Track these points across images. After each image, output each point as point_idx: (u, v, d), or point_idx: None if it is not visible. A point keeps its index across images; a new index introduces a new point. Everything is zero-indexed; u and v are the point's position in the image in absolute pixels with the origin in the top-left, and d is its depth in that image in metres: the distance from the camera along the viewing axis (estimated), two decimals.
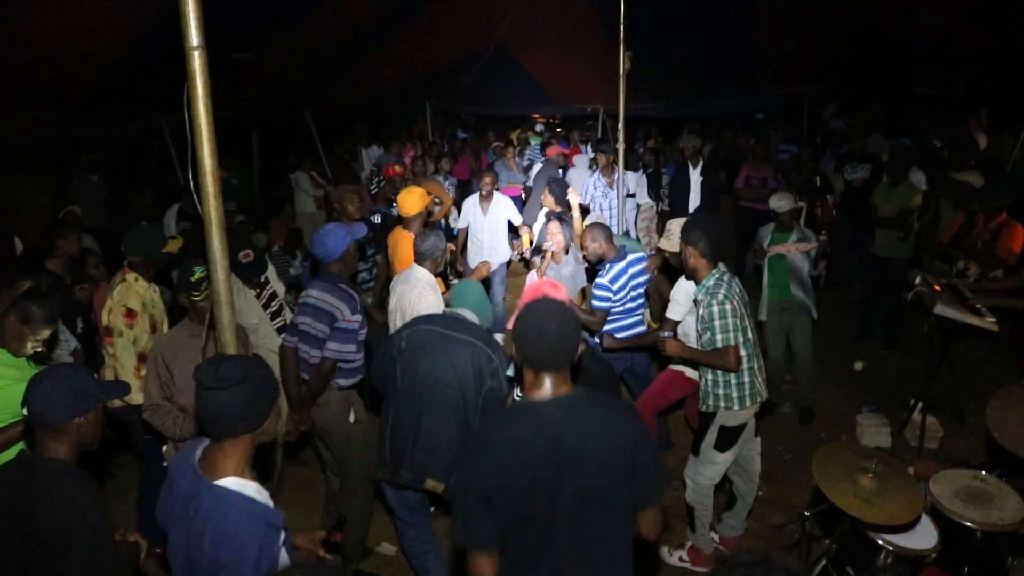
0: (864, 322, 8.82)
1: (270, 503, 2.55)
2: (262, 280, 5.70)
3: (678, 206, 10.01)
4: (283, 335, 5.00)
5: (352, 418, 4.87)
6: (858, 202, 9.29)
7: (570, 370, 2.76)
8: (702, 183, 9.91)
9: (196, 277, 4.22)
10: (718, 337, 4.49)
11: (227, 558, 2.38)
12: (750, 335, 4.61)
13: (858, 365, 8.18)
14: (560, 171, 10.81)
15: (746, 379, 4.61)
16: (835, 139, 12.38)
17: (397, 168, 8.79)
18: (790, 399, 7.19)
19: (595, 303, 5.70)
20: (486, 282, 7.49)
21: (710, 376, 4.69)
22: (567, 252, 6.23)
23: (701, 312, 4.56)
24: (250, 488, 2.51)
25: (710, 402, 4.71)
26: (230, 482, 2.48)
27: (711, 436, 4.78)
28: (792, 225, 6.82)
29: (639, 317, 5.90)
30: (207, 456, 2.54)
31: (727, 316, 4.45)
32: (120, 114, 9.00)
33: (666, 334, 5.05)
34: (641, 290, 5.89)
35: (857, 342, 8.70)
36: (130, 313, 4.91)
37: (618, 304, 5.74)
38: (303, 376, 4.80)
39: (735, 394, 4.63)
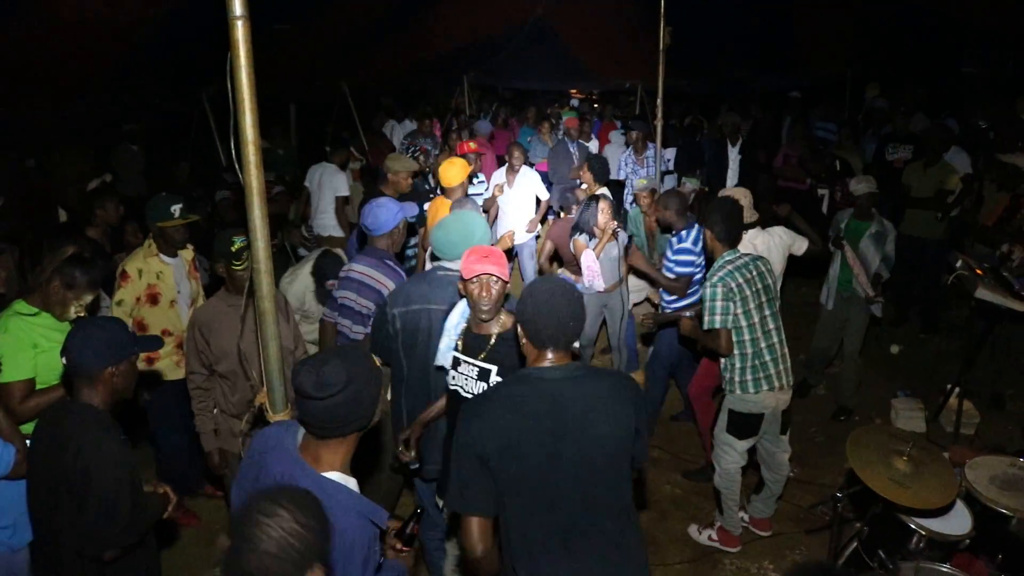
0: (900, 305, 8.70)
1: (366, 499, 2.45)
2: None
3: (716, 185, 9.93)
4: (324, 310, 5.00)
5: (390, 395, 4.93)
6: (897, 183, 9.15)
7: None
8: (741, 161, 9.80)
9: (237, 247, 4.24)
10: (706, 319, 4.54)
11: (335, 557, 2.23)
12: (765, 320, 4.58)
13: (894, 348, 8.09)
14: (572, 146, 10.70)
15: (757, 363, 4.58)
16: (877, 119, 12.15)
17: (471, 145, 8.58)
18: (828, 386, 7.12)
19: (678, 269, 5.83)
20: (509, 254, 7.51)
21: (722, 361, 4.70)
22: (615, 235, 6.20)
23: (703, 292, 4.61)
24: (352, 484, 2.41)
25: (724, 385, 4.74)
26: (336, 476, 2.38)
27: (722, 419, 4.80)
28: (871, 213, 6.43)
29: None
30: (309, 447, 2.41)
31: (717, 298, 4.47)
32: (160, 86, 9.09)
33: (688, 313, 5.09)
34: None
35: (894, 325, 8.59)
36: (124, 275, 4.94)
37: (699, 270, 5.84)
38: None
39: (739, 378, 4.61)
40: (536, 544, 2.67)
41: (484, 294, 3.41)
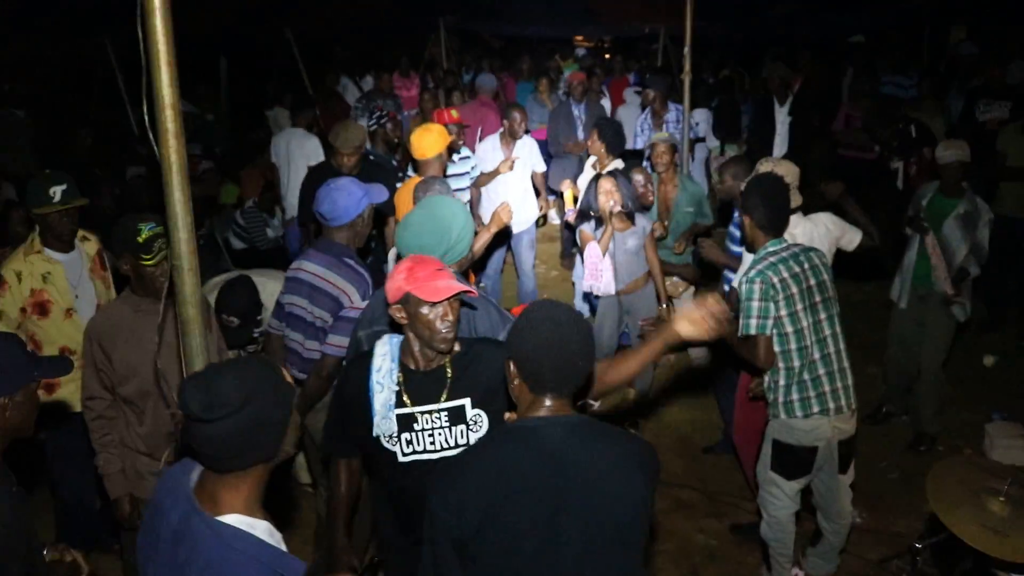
0: (994, 305, 8.74)
1: (283, 547, 2.44)
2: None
3: (759, 155, 9.94)
4: (269, 321, 5.00)
5: None
6: (990, 150, 9.17)
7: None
8: (791, 125, 9.82)
9: (145, 236, 4.15)
10: (741, 323, 4.56)
11: None
12: (818, 325, 4.59)
13: (987, 360, 8.12)
14: (577, 108, 10.72)
15: (807, 379, 4.59)
16: (965, 69, 12.18)
17: (453, 113, 8.11)
18: (904, 410, 7.15)
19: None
20: (502, 239, 7.49)
21: (765, 377, 4.73)
22: (632, 219, 6.20)
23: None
24: (260, 528, 2.39)
25: (769, 408, 4.76)
26: (235, 520, 2.36)
27: (765, 451, 4.82)
28: (961, 188, 6.41)
29: None
30: (206, 485, 2.41)
31: (754, 297, 4.49)
32: (51, 32, 9.04)
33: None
34: None
35: (986, 331, 8.63)
36: (0, 281, 4.92)
37: None
38: (293, 372, 4.83)
39: (783, 398, 4.63)
40: None
41: (449, 317, 3.18)
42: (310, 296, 4.62)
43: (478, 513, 2.54)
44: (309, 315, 4.63)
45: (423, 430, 3.30)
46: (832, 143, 10.70)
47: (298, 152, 9.03)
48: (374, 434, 3.29)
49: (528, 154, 8.64)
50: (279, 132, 9.58)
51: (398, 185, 7.15)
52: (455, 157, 7.73)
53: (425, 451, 3.30)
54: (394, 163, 8.03)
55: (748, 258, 5.09)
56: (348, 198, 4.67)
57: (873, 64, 13.40)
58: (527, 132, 8.74)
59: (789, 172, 5.36)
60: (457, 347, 3.32)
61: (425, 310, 3.14)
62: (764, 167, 5.40)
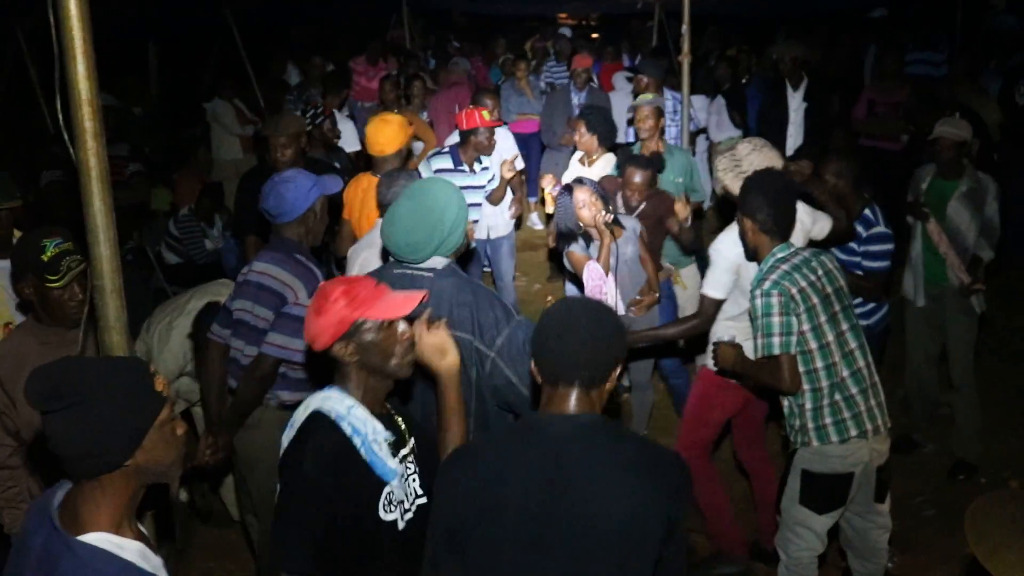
0: None
1: (163, 573, 2.51)
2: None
3: (770, 142, 9.95)
4: (212, 327, 5.01)
5: None
6: None
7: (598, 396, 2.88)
8: (806, 111, 9.83)
9: (51, 253, 4.08)
10: (759, 342, 4.54)
11: None
12: (843, 337, 4.60)
13: None
14: (579, 95, 10.73)
15: (839, 398, 4.59)
16: (1003, 44, 12.24)
17: (486, 115, 7.63)
18: (937, 438, 7.17)
19: (875, 264, 5.96)
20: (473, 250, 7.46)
21: (785, 402, 4.72)
22: (619, 226, 6.17)
23: (749, 306, 4.64)
24: (130, 550, 2.44)
25: (791, 437, 4.75)
26: (98, 539, 2.40)
27: (793, 485, 4.78)
28: (960, 167, 6.51)
29: None
30: (68, 502, 2.47)
31: (772, 312, 4.47)
32: None
33: (725, 337, 5.04)
34: None
35: None
36: None
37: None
38: (230, 384, 4.86)
39: (813, 423, 4.61)
40: None
41: (408, 335, 3.13)
42: (255, 296, 4.67)
43: (472, 505, 2.73)
44: (253, 318, 4.68)
45: (406, 481, 3.16)
46: (853, 132, 10.70)
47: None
48: (382, 509, 3.05)
49: (505, 149, 8.43)
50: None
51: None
52: (476, 167, 7.60)
53: (412, 509, 3.15)
54: (336, 166, 7.93)
55: (746, 269, 5.09)
56: (296, 190, 4.70)
57: (899, 39, 13.41)
58: (503, 124, 8.68)
59: (773, 161, 5.37)
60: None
61: (381, 335, 3.02)
62: (744, 150, 5.41)
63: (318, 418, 3.01)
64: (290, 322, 4.60)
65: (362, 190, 6.49)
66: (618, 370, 2.90)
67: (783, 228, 4.65)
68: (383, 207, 5.29)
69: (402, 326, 3.08)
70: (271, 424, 4.78)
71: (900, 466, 6.63)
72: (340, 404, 3.02)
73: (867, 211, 5.97)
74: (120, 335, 2.97)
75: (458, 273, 3.87)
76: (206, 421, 4.96)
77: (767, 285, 4.50)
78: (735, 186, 5.19)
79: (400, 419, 3.22)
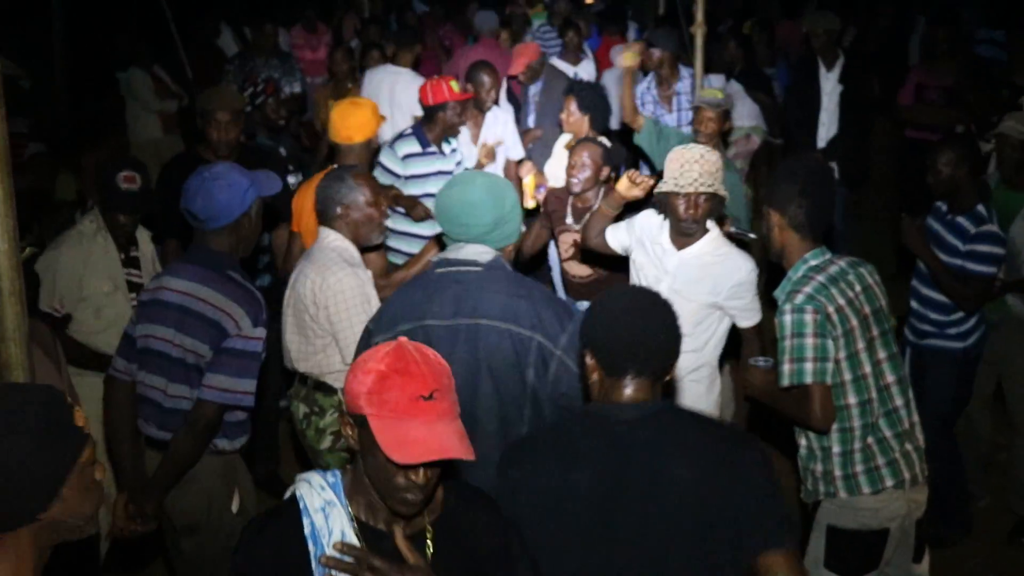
0: None
1: None
2: (131, 253, 5.87)
3: (799, 133, 9.99)
4: (114, 360, 4.94)
5: (236, 505, 4.89)
6: None
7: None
8: (842, 95, 9.85)
9: None
10: (786, 368, 4.47)
11: None
12: (879, 368, 4.59)
13: None
14: (570, 68, 10.74)
15: (872, 442, 4.56)
16: None
17: (453, 85, 7.56)
18: (994, 489, 7.17)
19: (981, 267, 5.99)
20: None
21: (803, 441, 4.71)
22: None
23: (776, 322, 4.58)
24: None
25: (809, 486, 4.73)
26: None
27: (816, 545, 4.76)
28: None
29: None
30: None
31: (806, 332, 4.40)
32: None
33: (760, 361, 5.04)
34: None
35: None
36: None
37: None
38: (150, 431, 4.76)
39: (841, 471, 4.58)
40: None
41: (419, 481, 2.73)
42: (178, 323, 4.58)
43: (532, 496, 3.06)
44: (176, 349, 4.59)
45: None
46: (898, 120, 10.72)
47: (404, 98, 9.11)
48: None
49: (503, 134, 8.51)
50: (373, 70, 9.70)
51: (291, 181, 7.11)
52: (445, 148, 7.60)
53: None
54: (282, 152, 7.86)
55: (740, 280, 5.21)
56: (229, 191, 4.62)
57: (956, 14, 13.37)
58: (496, 103, 8.62)
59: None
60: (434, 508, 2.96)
61: (381, 460, 2.70)
62: (672, 156, 5.29)
63: (289, 504, 2.86)
64: (234, 359, 4.53)
65: (308, 196, 6.20)
66: (675, 366, 3.25)
67: (816, 226, 4.60)
68: (328, 213, 5.23)
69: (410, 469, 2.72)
70: (211, 476, 4.77)
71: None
72: (321, 495, 2.85)
73: (980, 206, 6.00)
74: (19, 347, 2.95)
75: (507, 267, 4.14)
76: (117, 479, 4.85)
77: (800, 299, 4.42)
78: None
79: (431, 560, 2.86)
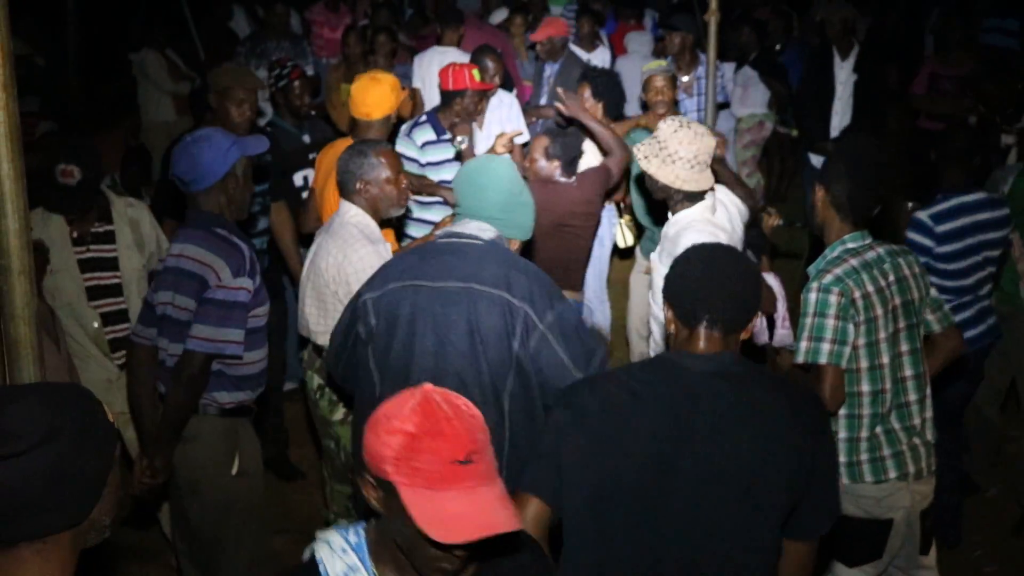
0: None
1: None
2: (95, 228, 5.74)
3: (812, 121, 9.99)
4: (134, 327, 5.04)
5: (236, 467, 4.93)
6: None
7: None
8: (856, 85, 9.83)
9: None
10: (802, 345, 4.50)
11: None
12: (899, 360, 4.59)
13: None
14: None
15: (880, 431, 4.58)
16: None
17: (476, 75, 7.47)
18: (1001, 480, 7.18)
19: None
20: None
21: None
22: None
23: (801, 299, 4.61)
24: None
25: None
26: None
27: None
28: None
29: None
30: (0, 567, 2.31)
31: (828, 312, 4.43)
32: None
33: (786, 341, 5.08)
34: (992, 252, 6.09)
35: None
36: None
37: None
38: (161, 392, 4.85)
39: (846, 457, 4.60)
40: None
41: (458, 556, 2.41)
42: (175, 284, 4.67)
43: (600, 427, 3.18)
44: (175, 310, 4.67)
45: None
46: (912, 110, 10.69)
47: None
48: None
49: (508, 117, 8.42)
50: (422, 54, 9.91)
51: (306, 177, 7.12)
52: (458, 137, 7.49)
53: None
54: (305, 140, 7.73)
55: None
56: (211, 151, 4.68)
57: (969, 4, 13.36)
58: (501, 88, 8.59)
59: (704, 137, 5.15)
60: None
61: (411, 532, 2.37)
62: (668, 129, 5.11)
63: (308, 569, 2.60)
64: (215, 309, 4.60)
65: (327, 161, 6.37)
66: (755, 322, 3.39)
67: (858, 209, 4.60)
68: (348, 187, 5.23)
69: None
70: (212, 435, 4.84)
71: None
72: (344, 558, 2.58)
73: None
74: (28, 326, 2.94)
75: (508, 248, 4.26)
76: (139, 439, 4.93)
77: (828, 279, 4.45)
78: (664, 173, 5.06)
79: None
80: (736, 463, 3.09)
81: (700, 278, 3.25)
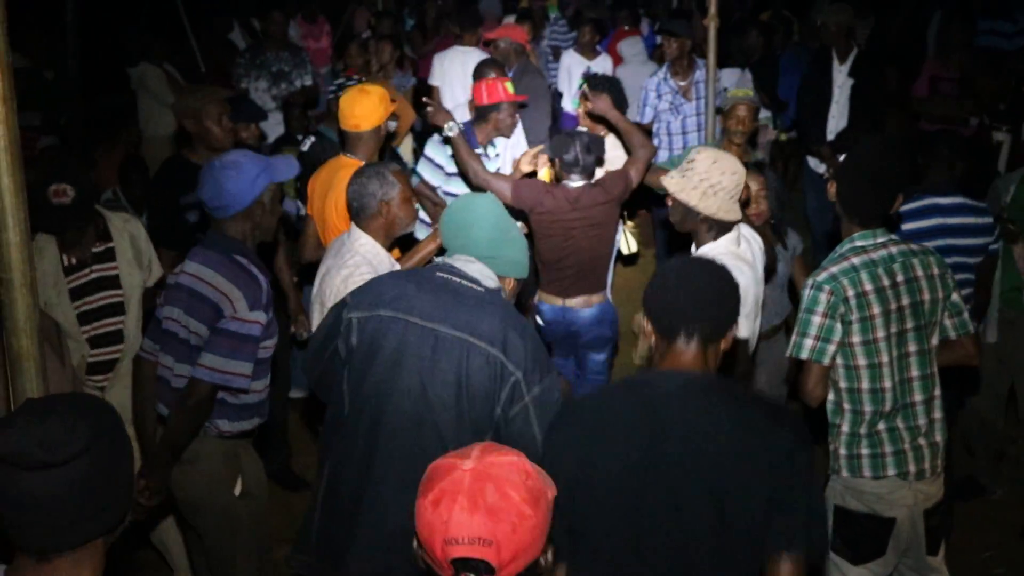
0: None
1: None
2: (92, 248, 5.65)
3: (809, 125, 9.97)
4: (142, 342, 5.05)
5: (239, 488, 4.94)
6: None
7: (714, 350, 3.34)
8: (853, 89, 9.81)
9: None
10: (793, 339, 4.60)
11: None
12: (905, 361, 4.59)
13: None
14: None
15: (882, 428, 4.59)
16: None
17: (509, 87, 7.54)
18: (1007, 482, 7.19)
19: None
20: None
21: (829, 410, 4.76)
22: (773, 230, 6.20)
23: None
24: None
25: (830, 460, 4.79)
26: None
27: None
28: None
29: None
30: None
31: (816, 309, 4.49)
32: None
33: None
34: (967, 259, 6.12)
35: None
36: None
37: None
38: (160, 410, 4.85)
39: (846, 450, 4.64)
40: None
41: None
42: (188, 305, 4.64)
43: (574, 458, 3.23)
44: (183, 330, 4.66)
45: None
46: (912, 112, 10.68)
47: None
48: None
49: (515, 134, 8.29)
50: (442, 53, 10.03)
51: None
52: (490, 151, 7.63)
53: None
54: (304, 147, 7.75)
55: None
56: (238, 179, 4.65)
57: (969, 6, 13.35)
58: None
59: (741, 174, 5.02)
60: None
61: None
62: (704, 162, 4.97)
63: None
64: (227, 340, 4.59)
65: (329, 176, 6.28)
66: (734, 331, 3.38)
67: (867, 208, 4.62)
68: (365, 212, 5.16)
69: None
70: (212, 458, 4.84)
71: (963, 515, 6.67)
72: None
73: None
74: (31, 339, 2.94)
75: (508, 302, 4.15)
76: (142, 455, 4.89)
77: (822, 276, 4.52)
78: (706, 204, 4.93)
79: None
80: (707, 484, 3.11)
81: (675, 290, 3.31)
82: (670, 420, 3.16)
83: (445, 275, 4.04)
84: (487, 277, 4.07)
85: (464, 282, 4.01)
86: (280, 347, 5.22)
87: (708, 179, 4.90)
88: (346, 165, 6.11)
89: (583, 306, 6.70)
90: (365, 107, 6.26)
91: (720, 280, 3.33)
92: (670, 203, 5.11)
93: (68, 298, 5.56)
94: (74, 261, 5.60)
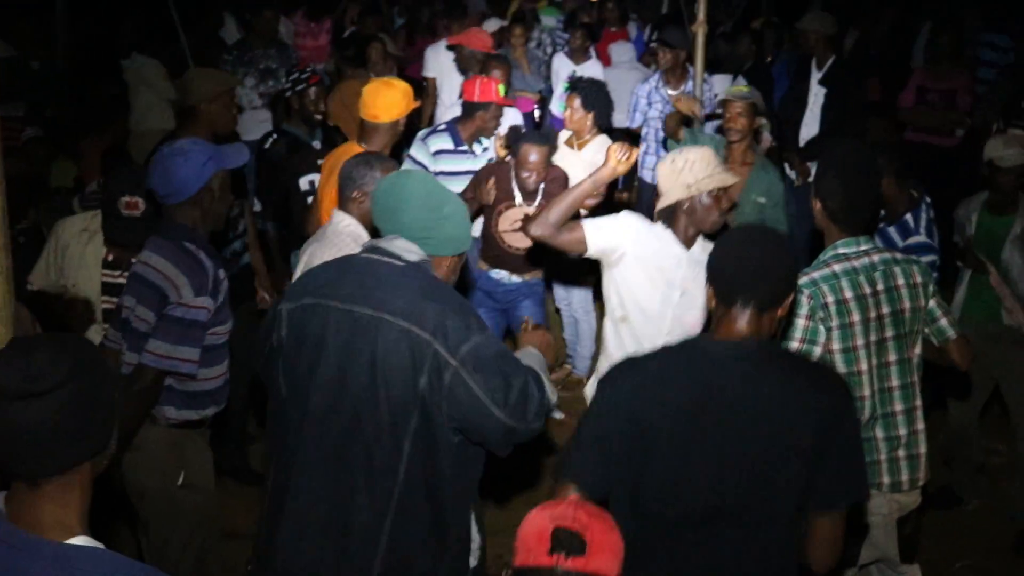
0: None
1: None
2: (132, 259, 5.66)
3: (788, 135, 9.96)
4: (106, 332, 5.08)
5: (181, 479, 4.95)
6: None
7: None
8: (826, 97, 9.78)
9: None
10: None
11: None
12: (884, 371, 4.61)
13: None
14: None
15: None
16: None
17: (501, 89, 7.67)
18: (980, 491, 7.20)
19: None
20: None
21: None
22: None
23: None
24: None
25: None
26: (83, 541, 2.42)
27: None
28: (1013, 201, 6.45)
29: None
30: (19, 509, 2.43)
31: (800, 312, 4.48)
32: None
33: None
34: None
35: None
36: None
37: None
38: None
39: None
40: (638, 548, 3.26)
41: None
42: (138, 292, 4.68)
43: (625, 411, 3.42)
44: (135, 318, 4.68)
45: None
46: (896, 123, 10.67)
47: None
48: None
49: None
50: (435, 46, 10.31)
51: (312, 182, 7.01)
52: (477, 148, 7.65)
53: None
54: (316, 146, 7.76)
55: None
56: (186, 165, 4.66)
57: (960, 18, 13.31)
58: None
59: (701, 155, 5.10)
60: None
61: None
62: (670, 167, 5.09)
63: None
64: (173, 326, 4.61)
65: (328, 166, 6.35)
66: (790, 298, 3.51)
67: (853, 219, 4.62)
68: (344, 194, 5.22)
69: None
70: (157, 445, 4.86)
71: (937, 524, 6.63)
72: None
73: (908, 216, 6.03)
74: (5, 327, 2.95)
75: (430, 272, 3.94)
76: None
77: (803, 281, 4.48)
78: (696, 184, 5.02)
79: None
80: (750, 442, 3.28)
81: (735, 258, 3.42)
82: (724, 388, 3.32)
83: (368, 255, 3.96)
84: (408, 251, 3.90)
85: (384, 259, 3.88)
86: (238, 343, 5.22)
87: (675, 167, 5.03)
88: (356, 152, 6.03)
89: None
90: (388, 99, 6.23)
91: (778, 249, 3.46)
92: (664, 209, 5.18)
93: (100, 288, 5.66)
94: (111, 258, 5.68)
